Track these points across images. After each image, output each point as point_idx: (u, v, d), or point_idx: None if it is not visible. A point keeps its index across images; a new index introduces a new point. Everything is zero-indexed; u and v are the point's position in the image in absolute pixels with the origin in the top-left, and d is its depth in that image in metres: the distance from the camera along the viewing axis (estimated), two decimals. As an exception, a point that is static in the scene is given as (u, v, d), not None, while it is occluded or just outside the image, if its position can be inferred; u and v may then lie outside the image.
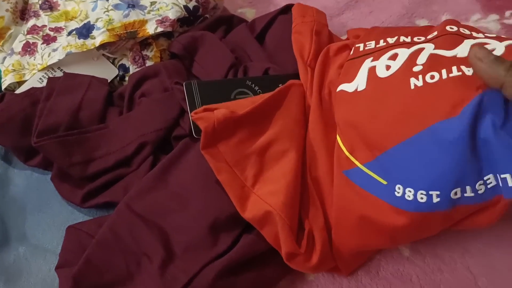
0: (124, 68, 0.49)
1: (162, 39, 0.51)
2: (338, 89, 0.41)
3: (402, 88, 0.36)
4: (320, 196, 0.40)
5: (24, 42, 0.48)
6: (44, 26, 0.49)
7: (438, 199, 0.33)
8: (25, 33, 0.49)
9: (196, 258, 0.37)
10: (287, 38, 0.50)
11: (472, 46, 0.34)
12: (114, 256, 0.37)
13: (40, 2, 0.51)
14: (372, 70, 0.39)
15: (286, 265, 0.42)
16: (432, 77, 0.35)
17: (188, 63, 0.50)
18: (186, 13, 0.50)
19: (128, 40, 0.49)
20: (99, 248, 0.37)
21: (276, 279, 0.42)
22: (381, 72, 0.39)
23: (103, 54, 0.49)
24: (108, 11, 0.48)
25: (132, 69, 0.49)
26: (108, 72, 0.49)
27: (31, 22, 0.50)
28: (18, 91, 0.46)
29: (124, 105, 0.46)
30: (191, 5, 0.50)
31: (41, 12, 0.51)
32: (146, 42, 0.50)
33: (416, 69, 0.36)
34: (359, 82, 0.40)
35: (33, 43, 0.48)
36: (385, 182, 0.36)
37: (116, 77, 0.49)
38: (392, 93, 0.37)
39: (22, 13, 0.51)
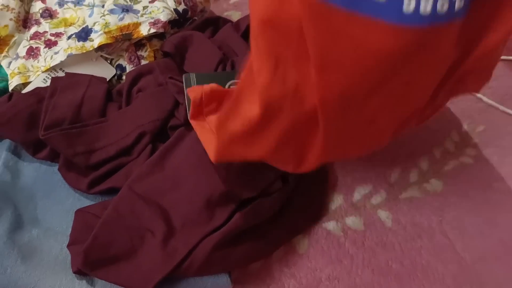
0: (121, 68, 0.53)
1: (155, 40, 0.55)
2: None
3: None
4: None
5: (28, 47, 0.52)
6: (46, 32, 0.53)
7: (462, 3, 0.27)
8: (28, 39, 0.53)
9: (194, 232, 0.41)
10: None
11: None
12: (119, 232, 0.40)
13: (40, 11, 0.55)
14: None
15: (279, 238, 0.45)
16: None
17: (179, 61, 0.54)
18: (176, 15, 0.54)
19: (124, 42, 0.53)
20: (105, 226, 0.40)
21: (269, 250, 0.45)
22: None
23: (101, 55, 0.53)
24: (104, 15, 0.52)
25: (129, 68, 0.53)
26: (106, 71, 0.52)
27: (33, 29, 0.54)
28: (24, 91, 0.50)
29: (123, 100, 0.50)
30: (180, 8, 0.55)
31: (42, 20, 0.55)
32: (140, 43, 0.54)
33: None
34: None
35: (36, 47, 0.52)
36: None
37: (114, 76, 0.53)
38: None
39: (25, 22, 0.55)
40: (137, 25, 0.52)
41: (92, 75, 0.51)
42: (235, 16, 0.67)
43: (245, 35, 0.58)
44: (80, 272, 0.39)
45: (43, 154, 0.47)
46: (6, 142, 0.49)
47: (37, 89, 0.50)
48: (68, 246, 0.41)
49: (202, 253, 0.40)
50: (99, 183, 0.46)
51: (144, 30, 0.52)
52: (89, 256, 0.39)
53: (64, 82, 0.49)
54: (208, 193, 0.42)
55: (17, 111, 0.47)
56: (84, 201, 0.46)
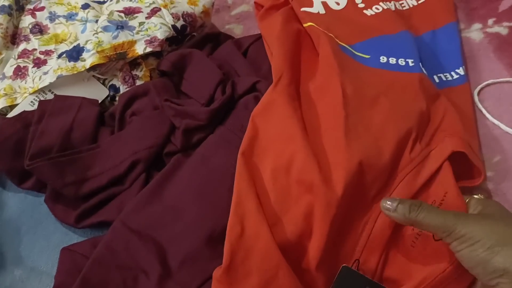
0: (114, 88, 0.50)
1: (151, 58, 0.52)
2: (301, 9, 0.51)
3: (360, 15, 0.52)
4: None
5: (15, 66, 0.49)
6: (35, 49, 0.50)
7: (413, 64, 0.46)
8: (16, 57, 0.50)
9: (195, 272, 0.38)
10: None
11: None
12: (111, 273, 0.37)
13: (30, 26, 0.52)
14: (325, 3, 0.53)
15: None
16: (377, 8, 0.52)
17: (177, 80, 0.50)
18: (174, 32, 0.51)
19: (118, 61, 0.49)
20: (96, 266, 0.37)
21: None
22: (333, 6, 0.53)
23: (94, 75, 0.49)
24: (97, 33, 0.49)
25: (123, 89, 0.50)
26: (98, 92, 0.49)
27: (22, 46, 0.51)
28: (10, 115, 0.47)
29: (115, 125, 0.47)
30: (179, 24, 0.51)
31: (31, 36, 0.51)
32: (135, 62, 0.51)
33: (360, 5, 0.53)
34: (319, 8, 0.52)
35: (24, 66, 0.49)
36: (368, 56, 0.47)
37: (107, 97, 0.50)
38: (353, 17, 0.51)
39: (13, 38, 0.52)
40: (132, 43, 0.49)
41: (83, 97, 0.48)
42: (237, 29, 0.63)
43: (247, 53, 0.55)
44: None
45: (29, 184, 0.44)
46: (-11, 171, 0.46)
47: (24, 113, 0.46)
48: None
49: None
50: (89, 216, 0.43)
51: (140, 48, 0.48)
52: None
53: (52, 106, 0.46)
54: (210, 227, 0.39)
55: (2, 139, 0.44)
56: (72, 236, 0.43)
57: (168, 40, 0.51)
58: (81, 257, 0.39)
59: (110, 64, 0.49)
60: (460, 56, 0.51)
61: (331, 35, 0.48)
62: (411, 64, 0.46)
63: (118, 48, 0.48)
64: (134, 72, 0.50)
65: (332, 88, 0.42)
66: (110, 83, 0.50)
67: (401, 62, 0.46)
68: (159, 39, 0.49)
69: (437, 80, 0.49)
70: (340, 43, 0.48)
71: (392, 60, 0.47)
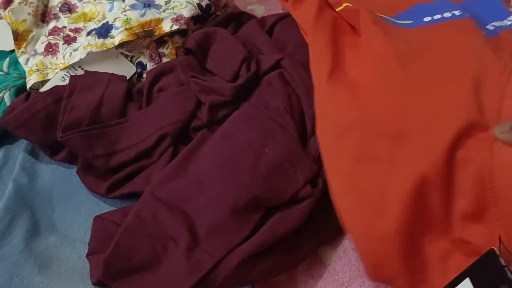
0: (141, 66, 0.51)
1: (177, 36, 0.53)
2: None
3: None
4: None
5: (46, 43, 0.50)
6: (64, 27, 0.51)
7: (460, 13, 0.45)
8: (47, 34, 0.51)
9: (220, 243, 0.39)
10: (294, 29, 0.53)
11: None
12: (141, 241, 0.38)
13: (59, 5, 0.53)
14: None
15: (306, 249, 0.43)
16: None
17: (202, 58, 0.51)
18: (199, 11, 0.52)
19: (145, 39, 0.51)
20: (127, 234, 0.38)
21: (295, 262, 0.43)
22: None
23: (122, 53, 0.51)
24: (125, 11, 0.50)
25: (149, 66, 0.51)
26: (126, 69, 0.50)
27: (52, 24, 0.52)
28: (42, 90, 0.48)
29: (143, 100, 0.48)
30: (204, 3, 0.52)
31: (60, 15, 0.53)
32: (161, 40, 0.52)
33: None
34: None
35: (55, 43, 0.50)
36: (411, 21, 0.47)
37: (134, 74, 0.51)
38: None
39: (43, 16, 0.53)
40: (159, 21, 0.50)
41: (112, 73, 0.49)
42: (258, 10, 0.64)
43: (270, 32, 0.55)
44: (100, 283, 0.38)
45: (61, 156, 0.46)
46: (23, 143, 0.47)
47: (55, 88, 0.48)
48: (87, 256, 0.39)
49: (228, 266, 0.38)
50: (119, 187, 0.44)
51: (166, 26, 0.49)
52: (110, 266, 0.37)
53: (83, 81, 0.47)
54: (234, 200, 0.40)
55: (35, 111, 0.45)
56: (103, 206, 0.44)
57: (193, 18, 0.52)
58: (113, 225, 0.41)
59: (137, 42, 0.51)
60: (505, 8, 0.49)
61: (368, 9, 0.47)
62: (457, 14, 0.45)
63: (146, 25, 0.49)
64: (160, 50, 0.51)
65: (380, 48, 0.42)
66: (137, 60, 0.51)
67: (447, 14, 0.45)
68: (185, 17, 0.50)
69: (491, 28, 0.47)
70: (380, 15, 0.47)
71: (437, 16, 0.46)
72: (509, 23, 0.47)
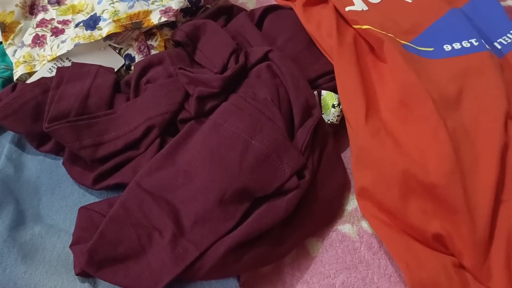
0: (130, 58, 0.51)
1: (166, 29, 0.52)
2: (346, 9, 0.52)
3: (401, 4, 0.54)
4: None
5: (33, 34, 0.50)
6: (52, 19, 0.51)
7: (478, 43, 0.48)
8: (35, 26, 0.51)
9: (207, 232, 0.39)
10: (284, 22, 0.53)
11: None
12: (126, 230, 0.38)
13: (48, -3, 0.53)
14: None
15: (292, 241, 0.43)
16: None
17: (191, 51, 0.51)
18: (188, 3, 0.52)
19: (134, 31, 0.50)
20: (111, 223, 0.38)
21: (282, 253, 0.43)
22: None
23: (110, 45, 0.50)
24: (113, 2, 0.50)
25: (138, 58, 0.51)
26: (114, 61, 0.50)
27: (40, 16, 0.52)
28: (28, 81, 0.48)
29: (131, 92, 0.48)
30: (193, -4, 0.52)
31: (49, 7, 0.53)
32: (150, 32, 0.52)
33: None
34: (361, 5, 0.54)
35: (42, 35, 0.50)
36: (431, 49, 0.50)
37: (122, 66, 0.51)
38: (397, 8, 0.54)
39: (31, 8, 0.53)
40: (147, 13, 0.50)
41: (100, 65, 0.49)
42: (250, 4, 0.64)
43: (259, 25, 0.55)
44: (84, 273, 0.38)
45: (48, 147, 0.46)
46: (10, 134, 0.47)
47: (43, 79, 0.48)
48: (71, 246, 0.39)
49: (214, 255, 0.38)
50: (105, 178, 0.44)
51: (155, 18, 0.49)
52: (94, 256, 0.37)
53: (70, 72, 0.47)
54: (221, 190, 0.40)
55: (22, 102, 0.45)
56: (89, 197, 0.44)
57: (182, 11, 0.52)
58: (98, 215, 0.40)
59: (126, 34, 0.50)
60: (508, 19, 0.52)
61: (391, 35, 0.49)
62: (475, 44, 0.48)
63: (134, 17, 0.49)
64: (149, 42, 0.51)
65: (421, 100, 0.44)
66: (126, 52, 0.51)
67: (466, 44, 0.49)
68: (173, 9, 0.50)
69: (499, 47, 0.51)
70: (402, 42, 0.50)
71: (457, 46, 0.49)
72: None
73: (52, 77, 0.48)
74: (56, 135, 0.44)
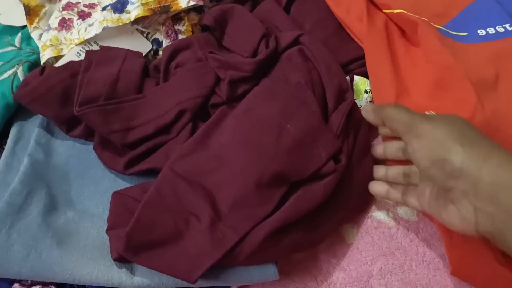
0: (157, 43, 0.50)
1: (193, 13, 0.51)
2: None
3: None
4: None
5: (60, 18, 0.49)
6: (78, 2, 0.50)
7: (511, 28, 0.47)
8: (60, 9, 0.50)
9: (245, 217, 0.38)
10: (311, 7, 0.52)
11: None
12: (162, 215, 0.37)
13: (72, -19, 0.52)
14: None
15: (328, 226, 0.42)
16: None
17: (219, 35, 0.50)
18: (216, -13, 0.51)
19: (161, 15, 0.49)
20: (147, 208, 0.37)
21: (318, 239, 0.42)
22: None
23: (137, 29, 0.49)
24: (141, -15, 0.48)
25: (165, 43, 0.50)
26: (142, 46, 0.49)
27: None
28: (56, 65, 0.47)
29: (160, 76, 0.47)
30: (220, -21, 0.51)
31: (74, -10, 0.51)
32: (178, 17, 0.50)
33: None
34: None
35: (69, 19, 0.49)
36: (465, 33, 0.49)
37: (149, 51, 0.50)
38: None
39: (56, -8, 0.52)
40: (175, -4, 0.48)
41: (128, 49, 0.48)
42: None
43: (287, 10, 0.54)
44: (121, 258, 0.37)
45: (77, 131, 0.45)
46: (38, 118, 0.46)
47: (71, 62, 0.47)
48: (107, 231, 0.38)
49: (253, 240, 0.37)
50: (137, 163, 0.43)
51: (183, 2, 0.48)
52: (131, 240, 0.36)
53: (99, 56, 0.46)
54: (257, 175, 0.39)
55: (50, 86, 0.44)
56: (120, 182, 0.43)
57: (210, -5, 0.51)
58: (132, 201, 0.39)
59: (153, 18, 0.49)
60: None
61: (425, 19, 0.48)
62: (509, 29, 0.48)
63: (162, 1, 0.48)
64: (176, 27, 0.50)
65: (459, 82, 0.43)
66: (153, 37, 0.50)
67: (500, 29, 0.48)
68: (202, -7, 0.49)
69: None
70: (437, 26, 0.49)
71: (491, 30, 0.48)
72: None
73: (81, 61, 0.47)
74: (86, 119, 0.43)
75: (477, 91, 0.42)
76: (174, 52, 0.48)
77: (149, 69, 0.48)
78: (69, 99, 0.44)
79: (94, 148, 0.44)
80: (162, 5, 0.48)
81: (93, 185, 0.43)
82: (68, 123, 0.45)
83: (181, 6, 0.48)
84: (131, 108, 0.44)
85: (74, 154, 0.44)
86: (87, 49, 0.48)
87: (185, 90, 0.45)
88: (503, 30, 0.48)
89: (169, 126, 0.44)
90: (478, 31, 0.48)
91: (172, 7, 0.48)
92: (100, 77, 0.45)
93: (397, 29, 0.50)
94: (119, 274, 0.37)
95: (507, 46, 0.46)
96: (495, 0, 0.50)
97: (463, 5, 0.51)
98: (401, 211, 0.45)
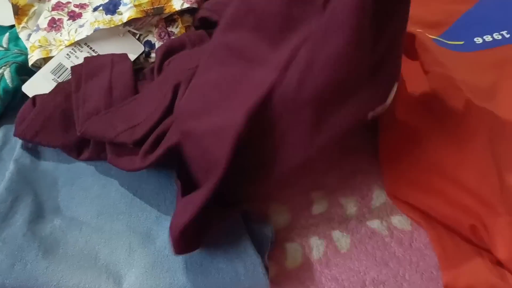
0: (149, 45, 0.49)
1: (187, 15, 0.50)
2: None
3: None
4: None
5: (49, 18, 0.48)
6: (69, 2, 0.49)
7: (509, 35, 0.47)
8: (50, 9, 0.48)
9: None
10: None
11: None
12: None
13: (63, -20, 0.51)
14: None
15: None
16: None
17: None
18: (210, -11, 0.50)
19: (154, 16, 0.48)
20: None
21: None
22: None
23: (129, 31, 0.48)
24: (134, -14, 0.47)
25: (158, 45, 0.49)
26: (134, 48, 0.48)
27: (55, -1, 0.49)
28: (44, 68, 0.46)
29: (154, 75, 0.45)
30: (215, -19, 0.50)
31: (64, -10, 0.50)
32: (171, 19, 0.50)
33: None
34: None
35: (59, 19, 0.48)
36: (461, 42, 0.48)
37: (142, 53, 0.49)
38: None
39: (46, -9, 0.51)
40: (169, -2, 0.48)
41: (112, 54, 0.46)
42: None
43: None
44: None
45: (87, 154, 0.43)
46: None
47: (60, 85, 0.45)
48: None
49: None
50: (153, 151, 0.41)
51: (177, 4, 0.47)
52: None
53: (86, 70, 0.45)
54: None
55: (47, 115, 0.42)
56: (110, 188, 0.42)
57: (205, -3, 0.50)
58: None
59: (146, 20, 0.48)
60: None
61: (420, 30, 0.48)
62: (507, 36, 0.47)
63: (156, 2, 0.47)
64: (169, 29, 0.49)
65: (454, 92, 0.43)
66: (145, 39, 0.49)
67: (497, 36, 0.47)
68: (196, -5, 0.48)
69: None
70: (431, 36, 0.48)
71: (488, 38, 0.48)
72: None
73: (69, 80, 0.45)
74: (90, 133, 0.41)
75: (475, 100, 0.42)
76: (167, 52, 0.46)
77: (146, 73, 0.47)
78: (70, 122, 0.42)
79: (109, 162, 0.42)
80: (155, 7, 0.47)
81: (82, 192, 0.41)
82: (77, 148, 0.44)
83: (175, 8, 0.47)
84: (130, 107, 0.42)
85: (63, 160, 0.43)
86: (78, 51, 0.47)
87: (180, 71, 0.43)
88: (500, 37, 0.47)
89: (171, 106, 0.41)
90: (475, 39, 0.48)
91: (165, 9, 0.47)
92: (93, 91, 0.43)
93: None
94: (106, 284, 0.36)
95: (504, 54, 0.46)
96: (491, 7, 0.50)
97: (459, 13, 0.51)
98: (395, 220, 0.45)
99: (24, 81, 0.47)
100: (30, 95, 0.45)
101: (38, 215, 0.39)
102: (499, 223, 0.38)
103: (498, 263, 0.38)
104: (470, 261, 0.38)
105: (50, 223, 0.38)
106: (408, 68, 0.47)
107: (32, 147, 0.43)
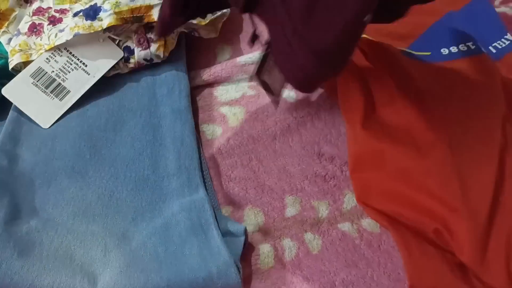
0: (129, 50, 0.50)
1: (166, 23, 0.52)
2: None
3: None
4: None
5: (30, 23, 0.49)
6: (49, 8, 0.50)
7: (474, 46, 0.49)
8: (31, 14, 0.49)
9: None
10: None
11: None
12: None
13: (44, -14, 0.51)
14: None
15: None
16: None
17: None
18: None
19: (134, 23, 0.49)
20: None
21: None
22: None
23: (109, 36, 0.49)
24: (114, -7, 0.48)
25: (137, 51, 0.50)
26: (113, 54, 0.49)
27: (36, 4, 0.50)
28: (24, 71, 0.46)
29: None
30: (194, -9, 0.51)
31: (45, -5, 0.51)
32: (151, 25, 0.51)
33: None
34: None
35: (39, 24, 0.49)
36: (428, 53, 0.50)
37: (121, 59, 0.50)
38: None
39: (27, -4, 0.51)
40: (149, 8, 0.49)
41: None
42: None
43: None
44: None
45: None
46: (2, 125, 0.45)
47: None
48: None
49: None
50: None
51: (156, 14, 0.48)
52: None
53: None
54: None
55: None
56: (87, 191, 0.43)
57: (184, 6, 0.51)
58: None
59: (126, 26, 0.49)
60: (502, 24, 0.54)
61: (387, 43, 0.50)
62: (472, 47, 0.50)
63: (135, 11, 0.48)
64: (149, 35, 0.50)
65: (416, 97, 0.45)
66: (125, 44, 0.50)
67: (462, 47, 0.50)
68: (175, 3, 0.49)
69: (494, 51, 0.52)
70: (400, 48, 0.50)
71: (454, 49, 0.50)
72: (507, 42, 0.52)
73: None
74: None
75: (438, 108, 0.44)
76: None
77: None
78: None
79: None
80: (135, 15, 0.48)
81: (58, 194, 0.42)
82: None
83: (154, 18, 0.48)
84: None
85: (40, 161, 0.44)
86: (58, 55, 0.47)
87: None
88: (465, 48, 0.50)
89: None
90: (442, 50, 0.50)
91: (145, 19, 0.48)
92: None
93: (361, 54, 0.51)
94: (81, 283, 0.36)
95: (468, 65, 0.48)
96: (458, 19, 0.53)
97: (426, 25, 0.53)
98: (365, 223, 0.46)
99: (3, 85, 0.47)
100: (10, 98, 0.45)
101: (14, 216, 0.39)
102: (462, 227, 0.39)
103: (461, 265, 0.40)
104: (434, 263, 0.40)
105: (26, 224, 0.39)
106: (377, 80, 0.49)
107: (10, 150, 0.44)
